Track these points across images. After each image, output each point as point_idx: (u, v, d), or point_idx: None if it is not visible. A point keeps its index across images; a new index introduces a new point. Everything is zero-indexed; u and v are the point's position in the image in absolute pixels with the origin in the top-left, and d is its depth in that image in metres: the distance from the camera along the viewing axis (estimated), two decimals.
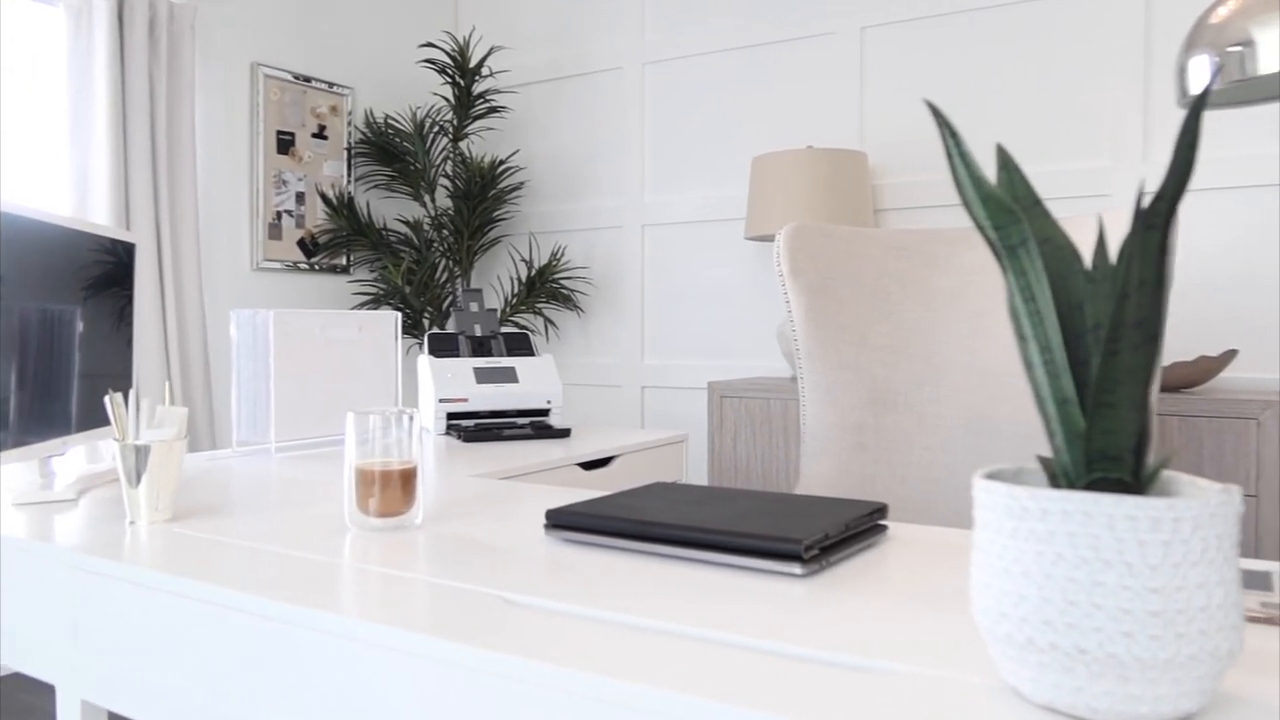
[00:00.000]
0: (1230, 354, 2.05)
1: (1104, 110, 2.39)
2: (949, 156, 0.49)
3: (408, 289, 2.93)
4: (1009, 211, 0.47)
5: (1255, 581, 0.68)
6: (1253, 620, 0.61)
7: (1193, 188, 2.29)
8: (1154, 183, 2.32)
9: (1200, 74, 0.55)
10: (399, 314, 1.55)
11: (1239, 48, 0.54)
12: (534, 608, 0.65)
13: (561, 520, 0.83)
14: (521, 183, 3.29)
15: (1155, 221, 0.44)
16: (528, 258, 3.30)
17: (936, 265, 1.71)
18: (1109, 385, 0.44)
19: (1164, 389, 2.11)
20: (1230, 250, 2.26)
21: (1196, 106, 0.43)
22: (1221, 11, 0.55)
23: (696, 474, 2.96)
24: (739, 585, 0.70)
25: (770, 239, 2.64)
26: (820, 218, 2.45)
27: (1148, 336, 0.45)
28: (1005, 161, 0.51)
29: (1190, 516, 0.42)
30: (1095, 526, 0.43)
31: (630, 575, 0.73)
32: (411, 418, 0.89)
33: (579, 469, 1.46)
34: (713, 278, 2.95)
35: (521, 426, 1.62)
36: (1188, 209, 2.30)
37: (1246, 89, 0.54)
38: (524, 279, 3.09)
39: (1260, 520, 1.92)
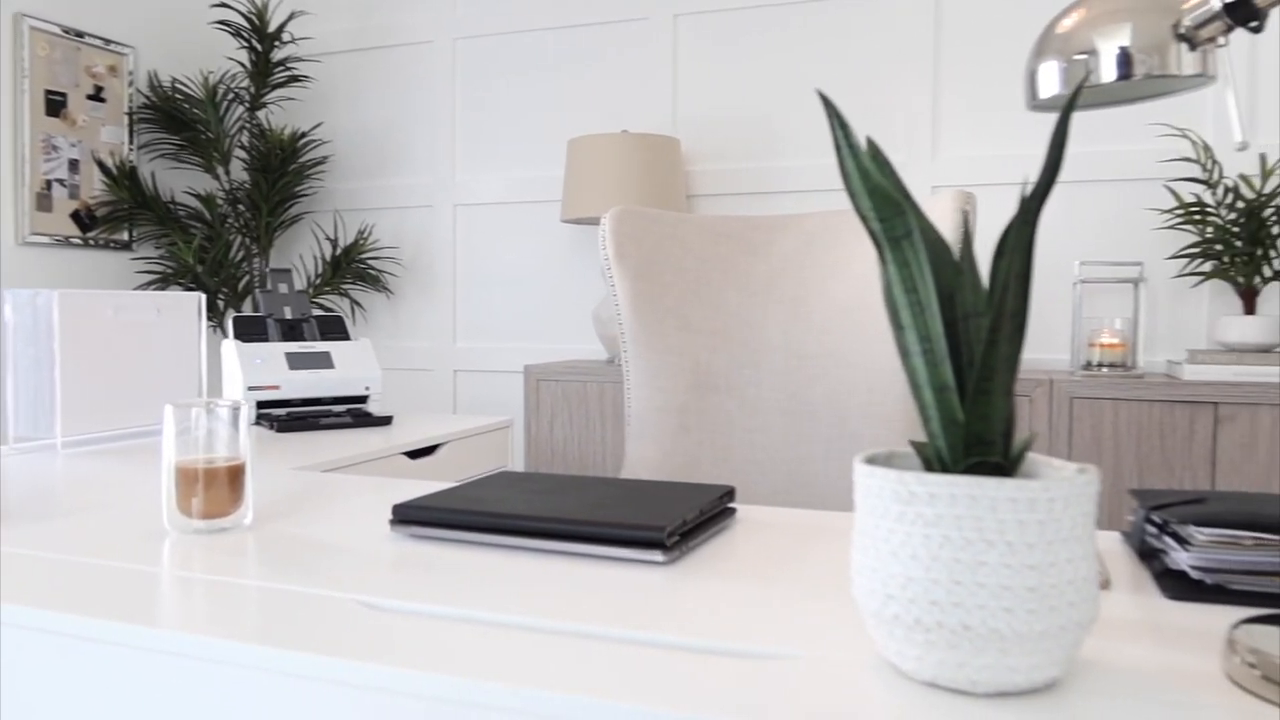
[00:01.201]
0: None
1: (897, 108, 2.54)
2: (838, 148, 0.50)
3: (200, 268, 2.72)
4: (894, 204, 0.48)
5: None
6: None
7: (1009, 181, 2.48)
8: (943, 177, 2.50)
9: (1049, 80, 0.59)
10: (202, 295, 1.43)
11: (1083, 56, 0.57)
12: (394, 610, 0.62)
13: (410, 515, 0.79)
14: (325, 157, 3.12)
15: (1030, 217, 0.46)
16: (333, 236, 3.14)
17: (756, 252, 1.77)
18: (987, 373, 0.47)
19: None
20: None
21: (1066, 112, 0.46)
22: (1067, 22, 0.59)
23: (514, 459, 2.93)
24: (601, 575, 0.69)
25: (586, 222, 2.64)
26: (635, 202, 2.47)
27: (1018, 327, 0.48)
28: (876, 155, 0.53)
29: (1062, 496, 0.45)
30: (980, 509, 0.45)
31: (489, 570, 0.70)
32: (238, 409, 0.82)
33: (405, 458, 1.40)
34: (527, 260, 2.92)
35: (339, 415, 1.54)
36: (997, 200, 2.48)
37: (1089, 94, 0.58)
38: (329, 259, 2.94)
39: None
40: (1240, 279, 2.12)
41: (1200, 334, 2.34)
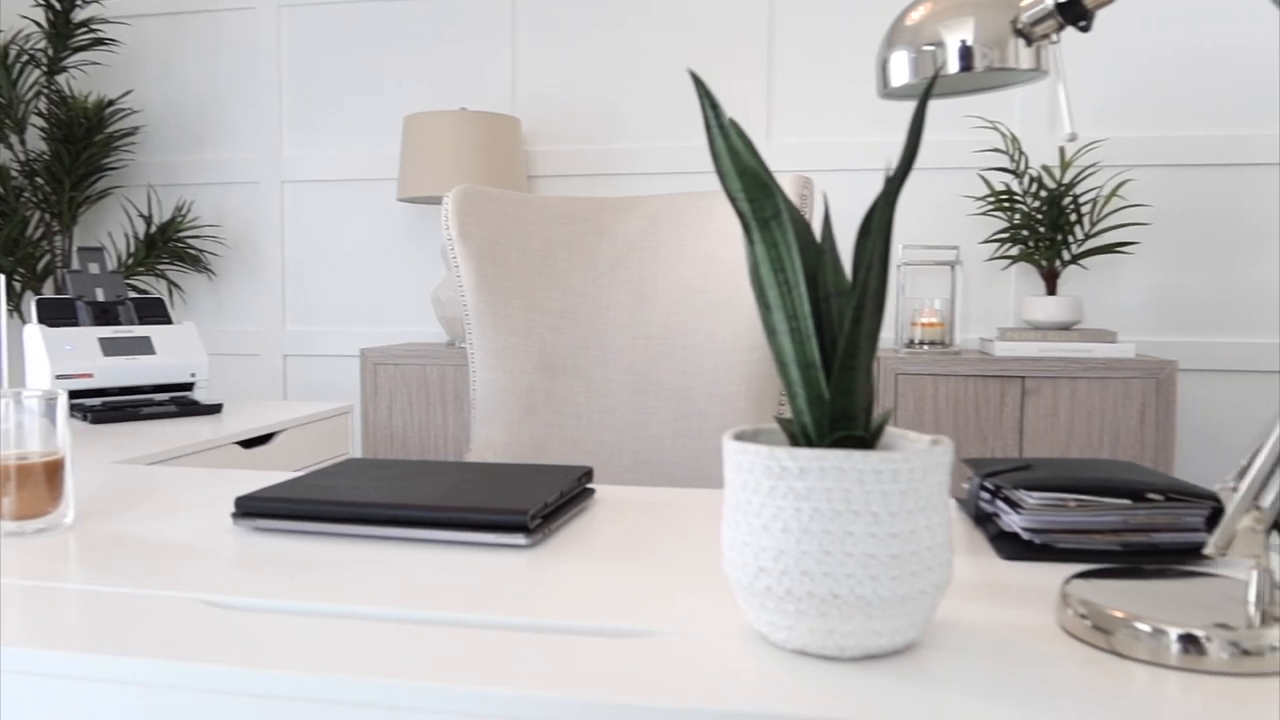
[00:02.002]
0: None
1: (735, 93, 2.60)
2: (708, 127, 0.50)
3: None
4: (763, 185, 0.49)
5: None
6: None
7: (842, 168, 2.57)
8: (778, 161, 2.57)
9: (900, 69, 0.61)
10: (4, 276, 1.30)
11: (932, 48, 0.60)
12: (239, 608, 0.58)
13: (255, 508, 0.74)
14: (136, 128, 2.90)
15: (892, 199, 0.48)
16: (146, 213, 2.93)
17: (602, 233, 1.77)
18: (852, 350, 0.48)
19: None
20: (842, 223, 2.57)
21: (923, 101, 0.48)
22: (915, 15, 0.61)
23: (353, 447, 2.83)
24: (462, 562, 0.67)
25: (423, 201, 2.57)
26: (475, 182, 2.43)
27: (879, 305, 0.50)
28: (742, 136, 0.53)
29: (921, 466, 0.47)
30: (848, 481, 0.46)
31: (344, 562, 0.67)
32: (54, 400, 0.75)
33: (239, 448, 1.33)
34: (362, 240, 2.81)
35: (163, 403, 1.44)
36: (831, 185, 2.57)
37: (937, 84, 0.61)
38: (142, 237, 2.73)
39: None
40: (1043, 262, 2.30)
41: (1009, 313, 2.52)
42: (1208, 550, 0.51)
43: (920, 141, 0.48)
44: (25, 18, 2.77)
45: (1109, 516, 0.67)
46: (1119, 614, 0.51)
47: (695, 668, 0.48)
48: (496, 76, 2.71)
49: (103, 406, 1.39)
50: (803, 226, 0.52)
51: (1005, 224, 2.41)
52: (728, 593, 0.61)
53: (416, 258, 2.79)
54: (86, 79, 2.93)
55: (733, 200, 0.50)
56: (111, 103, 2.72)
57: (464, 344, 2.49)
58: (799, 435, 0.52)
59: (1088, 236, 2.27)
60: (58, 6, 2.58)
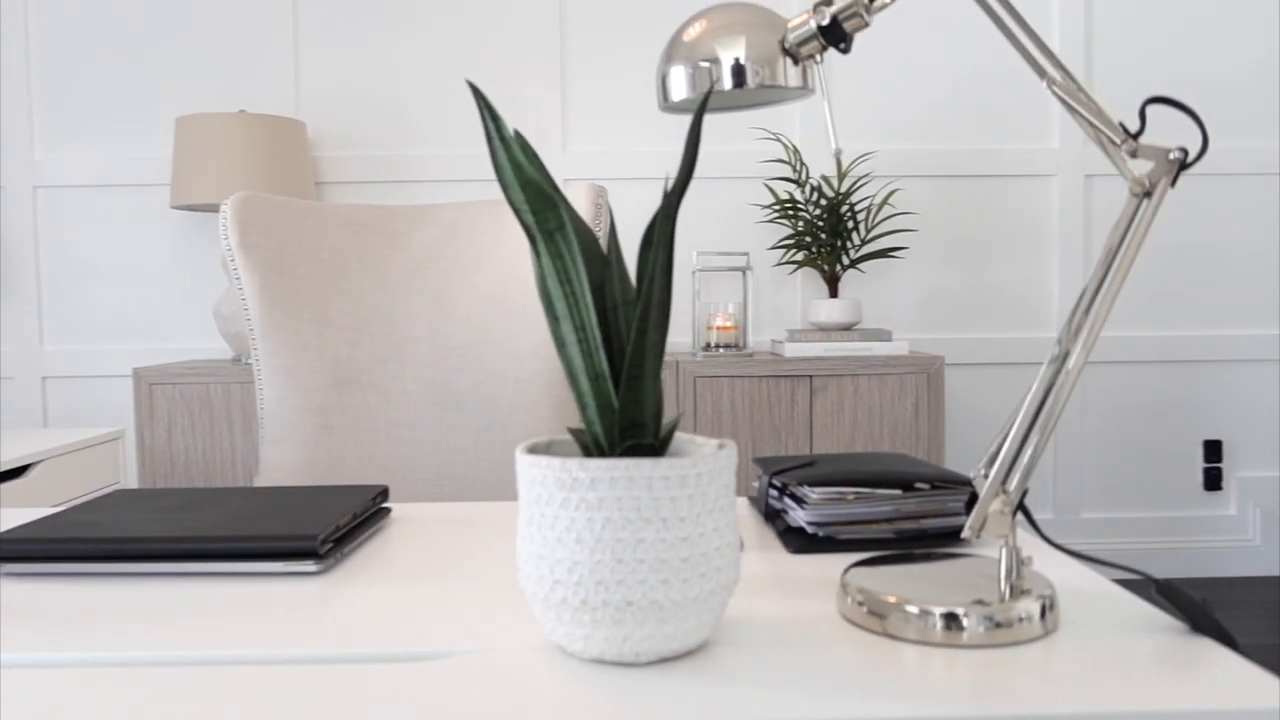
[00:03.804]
0: None
1: (529, 101, 2.60)
2: (489, 139, 0.50)
3: None
4: (547, 198, 0.49)
5: None
6: None
7: (635, 176, 2.61)
8: (573, 170, 2.60)
9: (678, 84, 0.63)
10: None
11: (708, 64, 0.62)
12: None
13: (9, 550, 0.67)
14: None
15: (671, 213, 0.49)
16: None
17: (396, 242, 1.72)
18: (638, 360, 0.49)
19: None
20: (636, 230, 2.62)
21: (697, 117, 0.49)
22: (692, 31, 0.63)
23: (128, 475, 2.61)
24: (248, 594, 0.64)
25: (201, 209, 2.42)
26: (257, 188, 2.30)
27: (664, 314, 0.51)
28: (525, 147, 0.54)
29: (707, 471, 0.49)
30: (637, 489, 0.47)
31: (112, 604, 0.62)
32: None
33: None
34: (131, 250, 2.61)
35: None
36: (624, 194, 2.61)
37: (713, 99, 0.63)
38: None
39: None
40: (825, 267, 2.43)
41: (797, 315, 2.65)
42: (964, 534, 0.56)
43: (697, 155, 0.49)
44: None
45: (883, 507, 0.71)
46: (891, 599, 0.54)
47: (490, 685, 0.48)
48: (278, 77, 2.58)
49: None
50: (589, 238, 0.52)
51: (790, 230, 2.54)
52: (526, 607, 0.60)
53: (195, 269, 2.62)
54: None
55: (517, 212, 0.50)
56: None
57: (250, 360, 2.35)
58: (591, 445, 0.52)
59: (864, 242, 2.42)
60: None
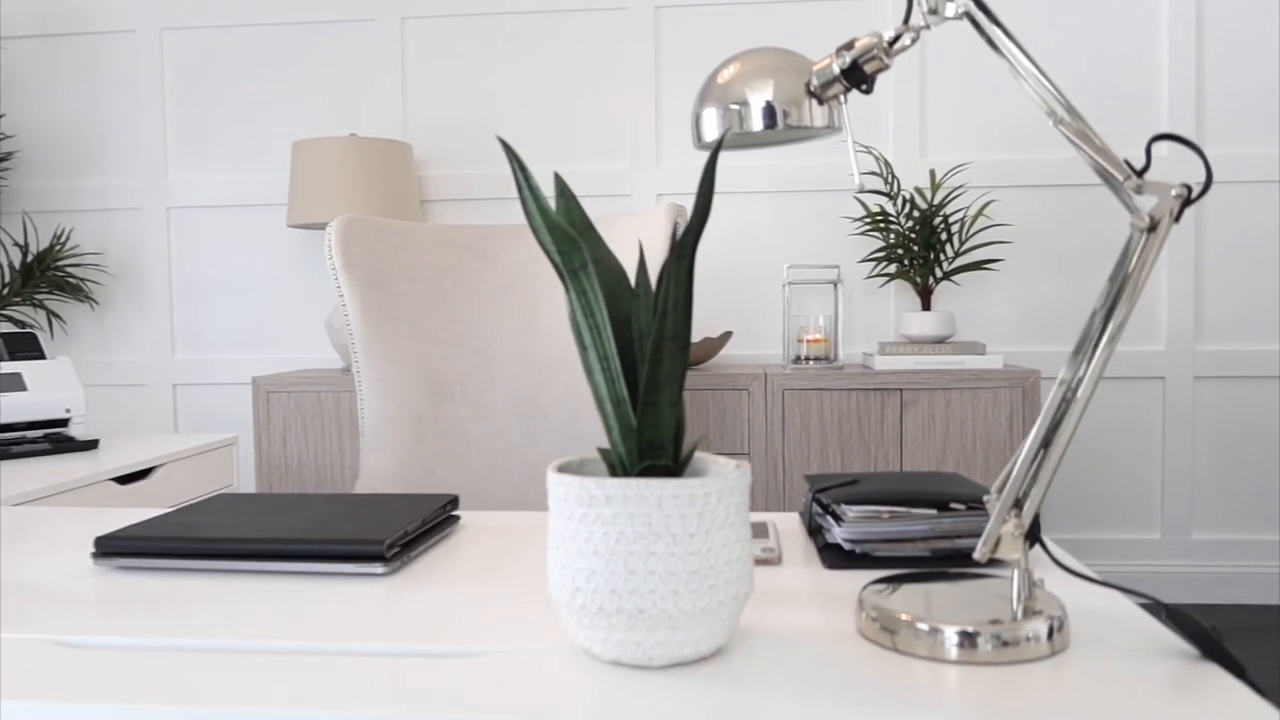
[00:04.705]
0: (727, 335, 2.43)
1: (623, 117, 2.66)
2: (519, 189, 0.55)
3: None
4: (571, 239, 0.54)
5: (756, 531, 0.84)
6: (758, 563, 0.76)
7: (729, 190, 2.65)
8: (667, 185, 2.65)
9: (711, 125, 0.67)
10: None
11: (738, 106, 0.66)
12: (95, 647, 0.60)
13: (115, 546, 0.76)
14: (10, 153, 2.82)
15: (685, 252, 0.53)
16: (22, 242, 2.84)
17: (488, 259, 1.80)
18: (653, 388, 0.53)
19: None
20: (731, 244, 2.66)
21: (711, 159, 0.53)
22: (725, 75, 0.67)
23: (245, 478, 2.79)
24: (322, 592, 0.70)
25: (315, 227, 2.57)
26: (366, 208, 2.43)
27: (680, 346, 0.55)
28: (563, 189, 0.58)
29: (716, 490, 0.53)
30: (648, 507, 0.51)
31: (202, 598, 0.70)
32: None
33: (114, 484, 1.32)
34: (252, 266, 2.78)
35: (35, 441, 1.42)
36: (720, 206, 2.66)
37: (744, 138, 0.67)
38: (18, 266, 2.66)
39: (753, 474, 2.30)
40: (918, 279, 2.42)
41: (889, 328, 2.63)
42: (975, 555, 0.58)
43: (712, 196, 0.53)
44: None
45: (918, 526, 0.74)
46: (904, 616, 0.57)
47: (518, 681, 0.53)
48: (387, 101, 2.72)
49: None
50: (617, 274, 0.57)
51: (882, 243, 2.53)
52: (556, 612, 0.65)
53: (309, 283, 2.78)
54: None
55: (546, 253, 0.55)
56: None
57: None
58: (616, 465, 0.57)
59: (957, 254, 2.39)
60: None
